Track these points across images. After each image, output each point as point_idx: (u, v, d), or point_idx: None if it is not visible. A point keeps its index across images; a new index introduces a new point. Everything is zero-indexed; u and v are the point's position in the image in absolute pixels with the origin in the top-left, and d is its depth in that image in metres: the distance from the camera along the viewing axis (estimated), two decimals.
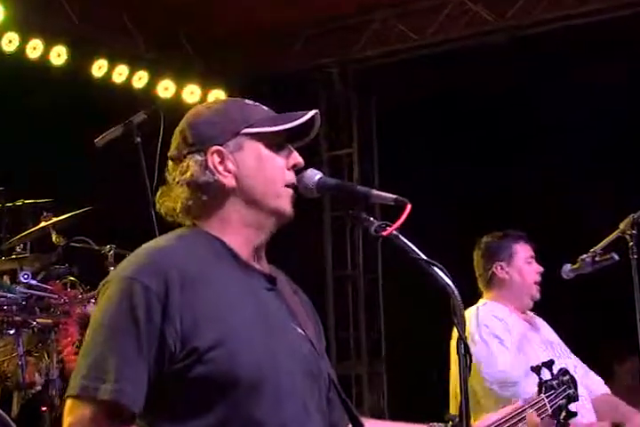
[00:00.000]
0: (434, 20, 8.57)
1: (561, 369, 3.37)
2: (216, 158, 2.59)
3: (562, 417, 3.26)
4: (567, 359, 4.84)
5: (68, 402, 2.39)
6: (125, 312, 2.39)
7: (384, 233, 2.52)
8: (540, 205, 7.96)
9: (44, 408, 5.39)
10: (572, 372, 4.78)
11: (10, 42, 7.45)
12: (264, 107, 2.71)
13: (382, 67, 8.88)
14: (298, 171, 2.67)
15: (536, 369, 3.26)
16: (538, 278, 4.92)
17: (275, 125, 2.62)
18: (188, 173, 2.58)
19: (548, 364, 3.31)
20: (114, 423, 2.36)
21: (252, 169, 2.61)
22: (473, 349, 4.68)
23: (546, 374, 3.28)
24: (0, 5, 7.14)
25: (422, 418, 2.91)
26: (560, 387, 3.35)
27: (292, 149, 2.67)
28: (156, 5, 7.93)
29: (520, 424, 3.03)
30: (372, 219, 2.58)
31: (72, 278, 5.54)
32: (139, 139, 5.18)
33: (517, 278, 4.91)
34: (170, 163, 2.66)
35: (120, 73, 8.26)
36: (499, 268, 4.93)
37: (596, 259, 4.64)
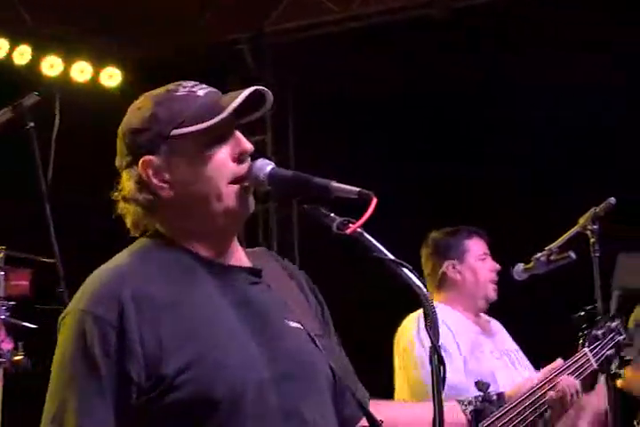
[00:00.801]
0: None
1: (611, 317, 3.45)
2: (149, 171, 2.61)
3: (614, 368, 3.34)
4: (524, 371, 4.93)
5: None
6: (81, 352, 2.44)
7: (347, 231, 2.52)
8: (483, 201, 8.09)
9: None
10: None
11: None
12: (199, 91, 2.69)
13: (300, 43, 8.87)
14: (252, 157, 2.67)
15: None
16: (494, 277, 4.99)
17: (205, 120, 2.60)
18: (126, 190, 2.63)
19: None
20: None
21: (189, 174, 2.62)
22: (409, 357, 4.81)
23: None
24: None
25: None
26: (607, 336, 3.42)
27: (236, 134, 2.66)
28: None
29: (551, 392, 3.12)
30: (332, 215, 2.57)
31: None
32: (32, 124, 5.12)
33: (471, 278, 4.97)
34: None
35: None
36: (450, 267, 4.99)
37: (552, 258, 4.70)
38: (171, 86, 2.70)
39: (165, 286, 2.53)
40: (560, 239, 4.71)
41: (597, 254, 4.55)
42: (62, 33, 8.55)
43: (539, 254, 4.73)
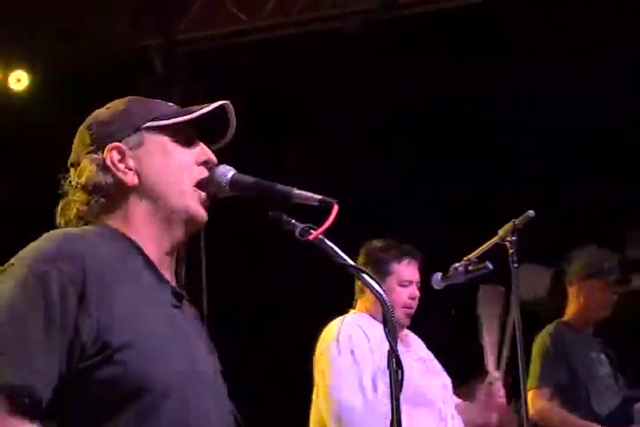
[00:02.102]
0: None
1: None
2: (115, 155, 2.62)
3: None
4: (440, 377, 5.04)
5: None
6: (37, 296, 2.35)
7: (309, 237, 2.57)
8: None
9: None
10: (442, 390, 5.01)
11: None
12: (171, 104, 2.76)
13: (212, 52, 8.84)
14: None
15: None
16: (409, 303, 4.95)
17: (178, 117, 2.66)
18: (85, 175, 2.62)
19: None
20: (15, 415, 2.29)
21: (156, 164, 2.65)
22: (325, 366, 4.82)
23: None
24: None
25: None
26: None
27: (202, 144, 2.70)
28: None
29: None
30: (294, 221, 2.61)
31: None
32: None
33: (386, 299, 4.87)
34: (71, 171, 2.69)
35: None
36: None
37: (470, 268, 4.75)
38: (141, 98, 2.79)
39: (117, 265, 2.50)
40: (478, 250, 4.75)
41: (516, 265, 4.60)
42: None
43: (457, 264, 4.77)
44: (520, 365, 4.51)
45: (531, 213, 4.65)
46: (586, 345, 6.25)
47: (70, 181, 2.67)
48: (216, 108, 2.72)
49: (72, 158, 2.70)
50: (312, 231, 2.58)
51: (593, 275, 6.24)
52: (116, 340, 2.38)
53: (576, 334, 6.23)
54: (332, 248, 2.60)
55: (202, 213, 2.66)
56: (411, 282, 4.96)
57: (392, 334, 2.57)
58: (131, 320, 2.43)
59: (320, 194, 2.65)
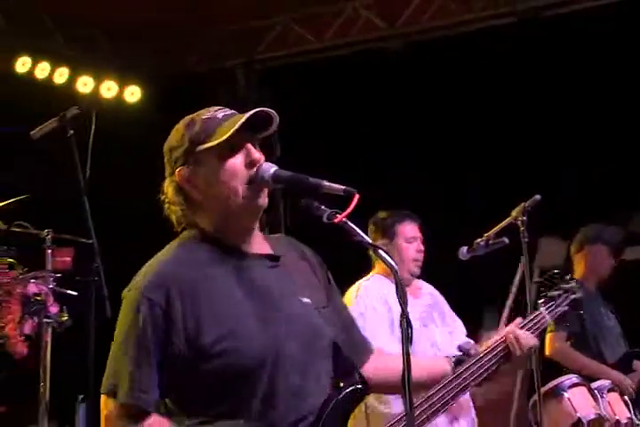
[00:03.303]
0: (331, 24, 8.61)
1: (567, 279, 3.48)
2: (182, 178, 2.72)
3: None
4: (450, 325, 5.02)
5: (102, 397, 2.62)
6: (135, 324, 2.58)
7: (335, 220, 2.60)
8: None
9: None
10: (442, 338, 4.96)
11: None
12: (220, 114, 2.77)
13: (284, 68, 8.90)
14: None
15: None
16: (416, 256, 4.94)
17: (222, 136, 2.68)
18: (168, 194, 2.77)
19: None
20: (131, 419, 2.56)
21: (213, 179, 2.70)
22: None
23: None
24: None
25: None
26: (561, 296, 3.40)
27: (247, 146, 2.72)
28: (75, 5, 7.86)
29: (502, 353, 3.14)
30: (323, 207, 2.64)
31: (11, 260, 5.50)
32: (72, 131, 5.15)
33: (396, 257, 4.85)
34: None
35: (42, 69, 8.18)
36: (382, 245, 4.92)
37: (490, 242, 4.76)
38: (201, 111, 2.81)
39: (201, 272, 2.64)
40: (496, 228, 4.75)
41: (526, 240, 4.61)
42: (93, 58, 8.52)
43: (479, 240, 4.78)
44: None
45: (537, 196, 4.64)
46: (595, 301, 6.21)
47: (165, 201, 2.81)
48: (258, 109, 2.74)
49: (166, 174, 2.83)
50: (337, 215, 2.61)
51: (594, 241, 6.24)
52: (208, 339, 2.55)
53: (586, 292, 6.21)
54: (353, 229, 2.63)
55: (256, 202, 2.71)
56: (415, 238, 4.98)
57: (403, 298, 2.56)
58: (217, 319, 2.58)
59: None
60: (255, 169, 2.71)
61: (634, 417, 4.60)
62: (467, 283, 5.51)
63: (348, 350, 2.79)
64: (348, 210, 2.61)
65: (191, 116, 2.81)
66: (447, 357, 3.07)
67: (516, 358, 3.13)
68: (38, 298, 5.32)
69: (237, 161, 2.71)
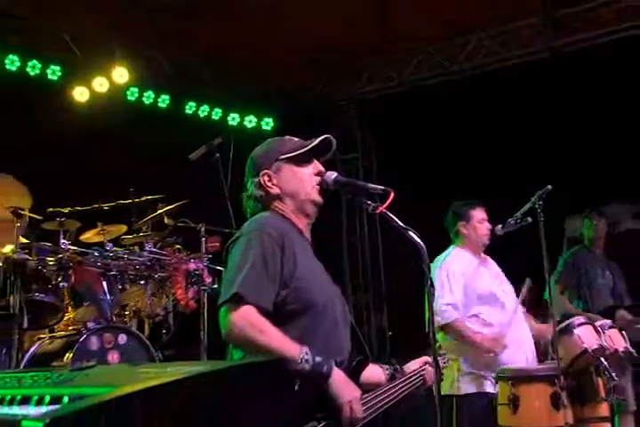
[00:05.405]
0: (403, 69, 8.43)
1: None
2: (266, 178, 2.75)
3: None
4: (507, 285, 4.87)
5: (230, 305, 2.45)
6: (262, 248, 2.52)
7: (377, 211, 2.61)
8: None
9: (163, 331, 5.54)
10: (508, 294, 4.85)
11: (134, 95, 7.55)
12: (296, 139, 2.83)
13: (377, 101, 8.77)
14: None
15: None
16: (487, 233, 4.86)
17: (296, 151, 2.75)
18: (249, 191, 2.79)
19: None
20: (263, 316, 2.45)
21: (289, 180, 2.75)
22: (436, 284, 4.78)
23: None
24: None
25: None
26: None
27: (316, 162, 2.78)
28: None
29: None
30: (369, 202, 2.65)
31: (178, 246, 5.65)
32: (217, 155, 5.20)
33: (473, 234, 4.85)
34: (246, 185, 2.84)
35: (203, 110, 8.33)
36: (461, 226, 4.90)
37: (518, 221, 4.60)
38: (280, 137, 2.87)
39: (292, 235, 2.65)
40: (521, 210, 4.55)
41: (542, 219, 4.41)
42: (238, 95, 8.50)
43: (510, 219, 4.61)
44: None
45: (549, 186, 4.48)
46: (594, 261, 6.12)
47: (246, 194, 2.82)
48: (323, 138, 2.79)
49: (245, 178, 2.84)
50: (379, 207, 2.61)
51: (600, 217, 6.20)
52: (297, 275, 2.55)
53: (589, 253, 6.16)
54: (392, 217, 2.61)
55: (319, 200, 2.76)
56: (484, 219, 4.88)
57: (427, 267, 2.52)
58: (302, 265, 2.58)
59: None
60: (321, 176, 2.76)
61: (629, 347, 4.42)
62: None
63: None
64: (386, 203, 2.60)
65: (274, 138, 2.88)
66: (383, 368, 2.82)
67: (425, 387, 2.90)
68: (197, 272, 5.45)
69: (309, 171, 2.76)
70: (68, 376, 1.59)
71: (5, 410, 1.38)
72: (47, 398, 1.35)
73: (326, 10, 6.39)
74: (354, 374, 2.59)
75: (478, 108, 7.73)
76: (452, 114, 7.84)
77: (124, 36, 6.98)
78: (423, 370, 2.88)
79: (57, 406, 1.30)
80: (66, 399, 1.32)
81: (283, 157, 2.75)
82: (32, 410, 1.34)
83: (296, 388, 2.06)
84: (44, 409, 1.33)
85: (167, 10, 6.39)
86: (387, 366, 2.82)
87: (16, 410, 1.36)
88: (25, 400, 1.39)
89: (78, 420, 1.17)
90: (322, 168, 2.78)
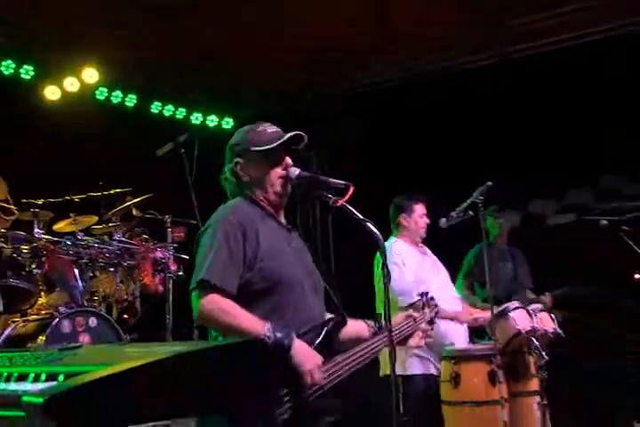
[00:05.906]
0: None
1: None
2: (238, 166, 2.77)
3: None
4: (444, 273, 4.94)
5: (198, 291, 2.48)
6: (225, 236, 2.55)
7: (337, 204, 2.61)
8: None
9: (125, 316, 5.50)
10: (447, 279, 4.90)
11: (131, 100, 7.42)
12: (269, 129, 2.81)
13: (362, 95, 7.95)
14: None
15: (421, 294, 3.17)
16: (424, 226, 4.87)
17: (267, 145, 2.74)
18: (226, 175, 2.81)
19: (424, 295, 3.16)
20: (227, 298, 2.48)
21: (259, 169, 2.76)
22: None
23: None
24: None
25: None
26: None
27: (284, 156, 2.77)
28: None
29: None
30: (329, 195, 2.65)
31: (145, 236, 5.60)
32: (182, 150, 5.16)
33: (413, 226, 4.86)
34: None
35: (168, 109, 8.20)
36: (403, 218, 4.90)
37: (460, 215, 4.64)
38: (257, 124, 2.84)
39: (254, 219, 2.66)
40: (463, 205, 4.60)
41: (482, 212, 4.49)
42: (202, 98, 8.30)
43: (452, 213, 4.62)
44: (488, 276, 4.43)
45: (489, 183, 4.55)
46: (499, 256, 5.98)
47: (223, 177, 2.84)
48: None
49: (225, 162, 2.84)
50: (339, 200, 2.62)
51: (503, 215, 6.13)
52: (260, 256, 2.56)
53: (493, 247, 5.90)
54: (351, 209, 2.62)
55: (282, 191, 2.77)
56: (424, 214, 4.90)
57: (384, 255, 2.56)
58: (268, 246, 2.60)
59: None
60: (286, 170, 2.77)
61: (557, 329, 4.51)
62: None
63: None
64: (346, 197, 2.61)
65: (250, 125, 2.86)
66: (368, 324, 2.82)
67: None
68: (163, 260, 5.41)
69: (275, 164, 2.77)
70: (58, 356, 1.57)
71: (4, 386, 1.36)
72: (43, 376, 1.34)
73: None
74: (328, 335, 2.60)
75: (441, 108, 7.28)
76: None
77: (98, 36, 6.66)
78: (406, 324, 2.89)
79: (54, 383, 1.29)
80: (62, 377, 1.31)
81: (254, 148, 2.75)
82: (29, 386, 1.33)
83: (266, 364, 2.07)
84: (40, 386, 1.31)
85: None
86: (371, 322, 2.83)
87: (14, 386, 1.35)
88: (22, 378, 1.37)
89: (77, 395, 1.16)
90: (289, 162, 2.78)
